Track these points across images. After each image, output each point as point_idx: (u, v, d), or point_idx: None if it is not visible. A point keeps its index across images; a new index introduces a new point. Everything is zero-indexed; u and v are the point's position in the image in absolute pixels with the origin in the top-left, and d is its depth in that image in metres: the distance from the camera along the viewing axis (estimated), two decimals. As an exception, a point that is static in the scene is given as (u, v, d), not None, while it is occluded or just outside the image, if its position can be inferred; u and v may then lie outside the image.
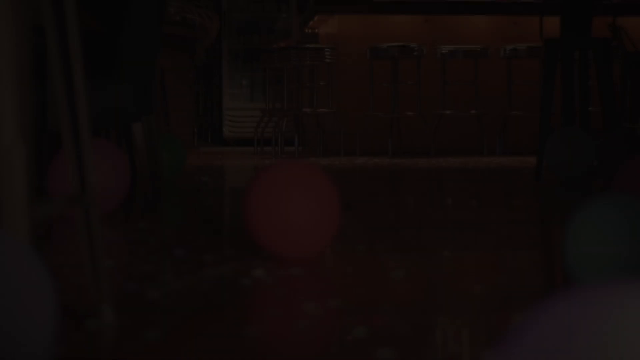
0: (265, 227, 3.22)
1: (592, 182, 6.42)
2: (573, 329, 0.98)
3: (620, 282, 1.02)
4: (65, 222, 4.27)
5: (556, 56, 6.91)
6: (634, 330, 0.95)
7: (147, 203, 5.29)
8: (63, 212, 4.21)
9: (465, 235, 4.18)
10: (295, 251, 3.27)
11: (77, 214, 2.21)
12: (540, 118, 6.87)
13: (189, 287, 2.78)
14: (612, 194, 2.66)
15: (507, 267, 3.35)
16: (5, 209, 1.82)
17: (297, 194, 3.20)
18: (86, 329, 2.20)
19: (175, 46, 10.53)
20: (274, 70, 11.35)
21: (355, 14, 10.72)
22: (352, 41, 10.65)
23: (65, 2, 2.18)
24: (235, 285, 2.83)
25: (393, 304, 2.59)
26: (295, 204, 3.18)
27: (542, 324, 1.02)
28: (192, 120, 11.95)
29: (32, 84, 1.88)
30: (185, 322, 2.33)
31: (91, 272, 2.22)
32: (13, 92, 1.81)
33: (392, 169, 8.42)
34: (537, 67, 10.29)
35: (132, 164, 7.01)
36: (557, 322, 1.01)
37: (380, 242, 3.94)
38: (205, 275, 2.95)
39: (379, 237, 4.17)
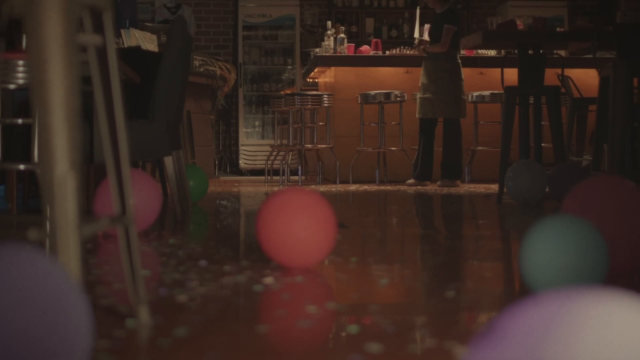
0: (274, 242, 3.22)
1: (544, 205, 6.42)
2: (539, 329, 0.98)
3: (571, 289, 1.02)
4: (108, 238, 4.27)
5: (515, 101, 6.92)
6: (589, 328, 0.95)
7: (176, 222, 5.29)
8: (107, 230, 4.22)
9: (440, 248, 4.18)
10: (299, 262, 3.26)
11: (119, 232, 2.21)
12: (502, 152, 6.88)
13: (211, 292, 2.78)
14: (561, 215, 2.66)
15: (475, 275, 3.34)
16: (59, 226, 1.82)
17: (301, 215, 3.20)
18: (126, 327, 2.20)
19: (200, 92, 10.55)
20: (281, 113, 11.36)
21: (348, 67, 10.74)
22: (346, 88, 10.66)
23: (109, 57, 2.18)
24: (250, 290, 2.83)
25: (380, 306, 2.59)
26: (299, 223, 3.18)
27: (512, 326, 1.02)
28: (214, 154, 11.96)
29: (81, 124, 1.88)
30: (209, 321, 2.33)
31: (130, 279, 2.22)
32: (66, 130, 1.82)
33: (379, 194, 8.42)
34: (498, 110, 10.29)
35: (164, 190, 7.03)
36: (525, 324, 1.01)
37: (370, 254, 3.94)
38: (224, 282, 2.95)
39: (368, 250, 4.17)
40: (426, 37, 10.02)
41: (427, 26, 10.35)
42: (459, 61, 9.61)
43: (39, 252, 1.51)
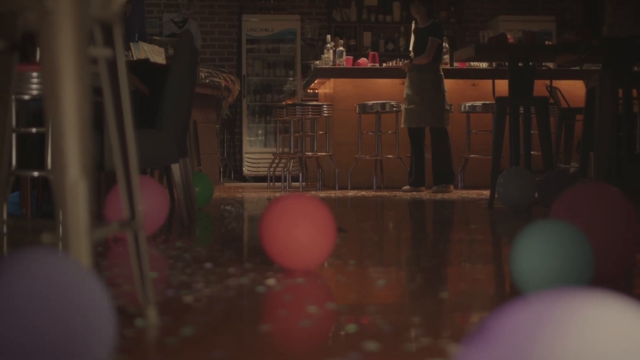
0: (277, 246, 3.22)
1: (533, 211, 6.42)
2: (529, 329, 0.98)
3: (559, 290, 1.03)
4: (118, 242, 4.26)
5: (505, 111, 6.93)
6: (576, 329, 0.95)
7: (183, 227, 5.29)
8: (117, 234, 4.22)
9: (434, 251, 4.18)
10: (300, 265, 3.26)
11: (128, 236, 2.21)
12: (493, 160, 6.88)
13: (216, 293, 2.77)
14: (550, 220, 2.66)
15: (467, 277, 3.34)
16: (71, 231, 1.82)
17: (302, 220, 3.20)
18: (136, 326, 2.20)
19: (205, 103, 10.55)
20: (283, 122, 11.37)
21: (346, 78, 10.75)
22: (345, 99, 10.66)
23: (118, 69, 2.19)
24: (253, 291, 2.83)
25: (377, 306, 2.58)
26: (300, 228, 3.18)
27: (503, 326, 1.02)
28: (219, 161, 11.96)
29: (93, 133, 1.89)
30: (214, 321, 2.33)
31: (139, 281, 2.22)
32: (77, 139, 1.82)
33: (376, 200, 8.41)
34: (490, 120, 10.30)
35: (171, 196, 7.03)
36: (515, 325, 1.01)
37: (368, 257, 3.94)
38: (229, 284, 2.95)
39: (366, 253, 4.17)
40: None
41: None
42: (442, 73, 9.68)
43: (65, 257, 1.52)
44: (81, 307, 1.45)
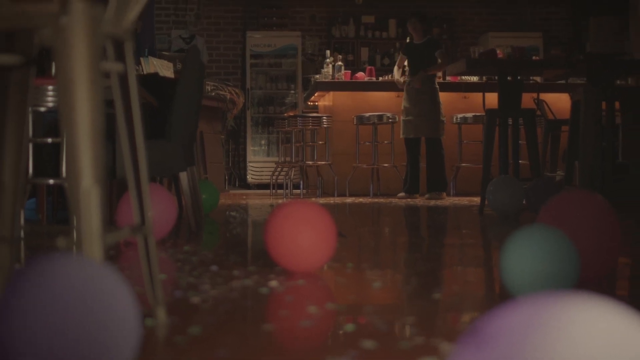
0: (279, 249, 3.22)
1: (521, 217, 6.42)
2: (520, 330, 0.98)
3: (547, 293, 1.03)
4: (129, 246, 4.26)
5: (495, 122, 6.93)
6: (565, 330, 0.95)
7: (190, 232, 5.28)
8: (128, 239, 4.21)
9: (427, 255, 4.17)
10: (301, 267, 3.26)
11: (139, 240, 2.21)
12: (483, 168, 6.88)
13: (222, 294, 2.77)
14: (537, 226, 2.66)
15: (459, 279, 3.34)
16: (85, 235, 1.82)
17: (303, 225, 3.20)
18: (146, 326, 2.20)
19: (211, 115, 10.55)
20: (284, 133, 11.37)
21: (345, 91, 10.76)
22: (343, 111, 10.67)
23: (129, 82, 2.19)
24: (256, 292, 2.82)
25: (374, 307, 2.58)
26: (302, 232, 3.18)
27: (495, 327, 1.02)
28: (224, 170, 11.95)
29: (105, 143, 1.89)
30: (220, 321, 2.33)
31: (149, 283, 2.22)
32: (91, 148, 1.82)
33: (373, 206, 8.41)
34: (480, 131, 10.30)
35: (179, 203, 7.02)
36: (505, 325, 1.01)
37: (365, 261, 3.94)
38: (234, 285, 2.95)
39: (364, 257, 4.17)
40: (397, 73, 10.04)
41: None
42: (437, 86, 9.68)
43: (91, 262, 1.52)
44: (108, 309, 1.45)
